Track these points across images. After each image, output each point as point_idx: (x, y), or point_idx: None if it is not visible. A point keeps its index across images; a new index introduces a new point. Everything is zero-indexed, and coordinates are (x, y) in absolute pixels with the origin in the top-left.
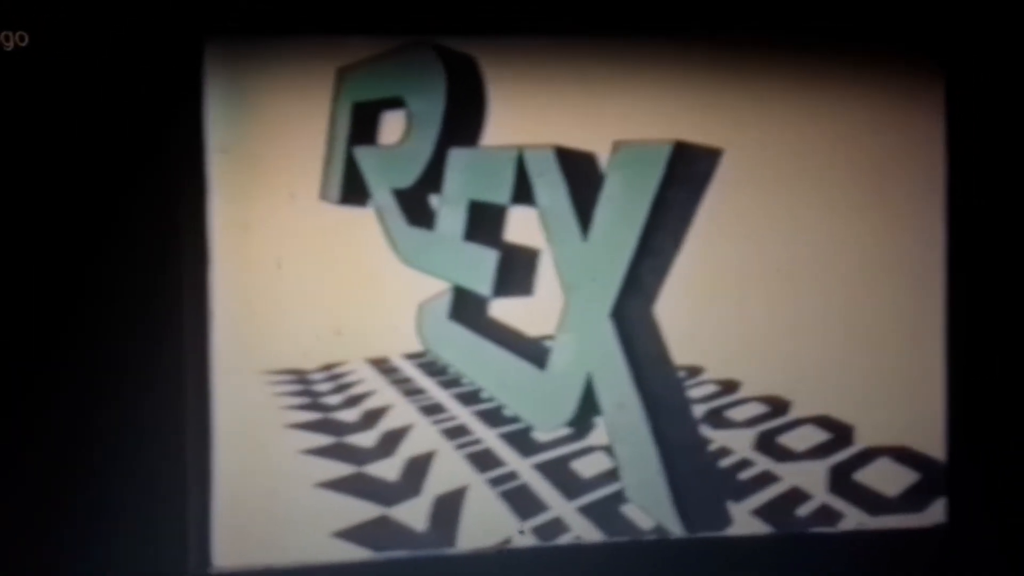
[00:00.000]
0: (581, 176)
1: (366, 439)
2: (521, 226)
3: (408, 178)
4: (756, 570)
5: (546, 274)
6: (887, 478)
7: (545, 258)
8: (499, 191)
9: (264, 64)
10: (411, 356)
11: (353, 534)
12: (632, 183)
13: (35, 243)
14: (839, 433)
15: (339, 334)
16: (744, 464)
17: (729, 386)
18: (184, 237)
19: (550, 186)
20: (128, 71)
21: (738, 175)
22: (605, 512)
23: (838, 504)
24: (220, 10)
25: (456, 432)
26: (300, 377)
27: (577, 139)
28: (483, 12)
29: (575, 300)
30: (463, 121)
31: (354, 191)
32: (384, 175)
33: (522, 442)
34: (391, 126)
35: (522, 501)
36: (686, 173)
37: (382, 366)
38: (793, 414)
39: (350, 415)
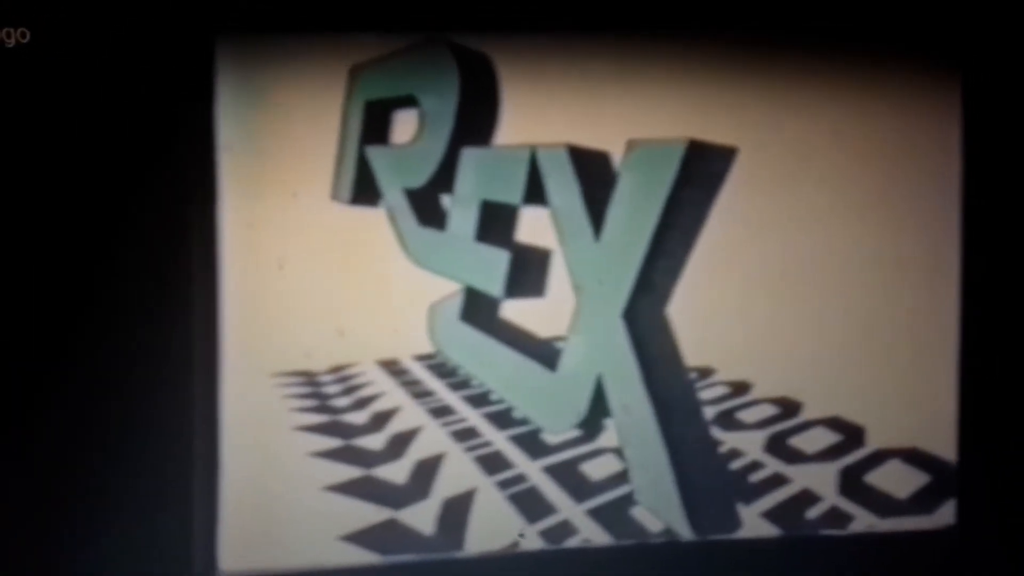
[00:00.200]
0: (594, 175)
1: (375, 442)
2: (533, 226)
3: (420, 178)
4: (766, 573)
5: (558, 275)
6: (897, 480)
7: (557, 259)
8: (511, 191)
9: (276, 62)
10: (421, 358)
11: (361, 538)
12: (646, 183)
13: (41, 243)
14: (850, 435)
15: (345, 335)
16: (754, 466)
17: (740, 387)
18: (193, 237)
19: (563, 186)
20: (136, 69)
21: (751, 174)
22: (614, 515)
23: (848, 506)
24: (231, 8)
25: (465, 434)
26: (309, 379)
27: (590, 138)
28: (497, 9)
29: (587, 301)
30: (476, 120)
31: (365, 191)
32: (396, 175)
33: (531, 444)
34: (403, 125)
35: (531, 504)
36: (700, 173)
37: (392, 368)
38: (804, 416)
39: (359, 417)
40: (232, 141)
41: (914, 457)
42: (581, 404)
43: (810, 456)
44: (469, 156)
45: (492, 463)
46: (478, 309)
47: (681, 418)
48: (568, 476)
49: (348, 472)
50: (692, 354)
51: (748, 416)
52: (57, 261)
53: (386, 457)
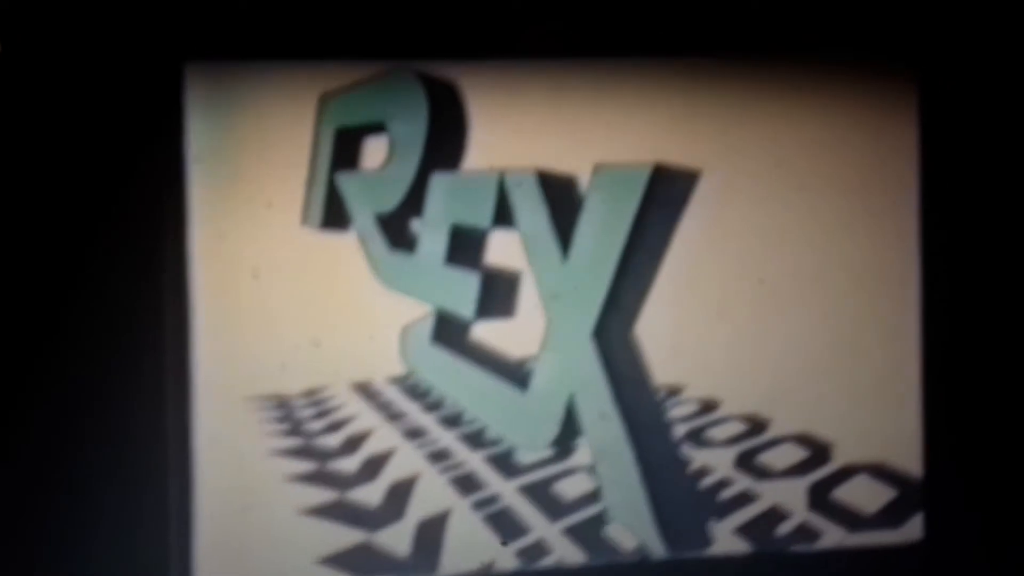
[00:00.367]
0: (562, 199)
1: (349, 464)
2: (503, 249)
3: (390, 203)
4: None
5: (528, 296)
6: (865, 495)
7: (527, 280)
8: (481, 215)
9: (246, 89)
10: (394, 380)
11: (337, 560)
12: (612, 205)
13: (11, 262)
14: (818, 451)
15: (317, 353)
16: (725, 483)
17: (709, 405)
18: (164, 262)
19: (531, 209)
20: (106, 94)
21: (717, 193)
22: (588, 533)
23: (817, 522)
24: (201, 35)
25: (439, 456)
26: (282, 402)
27: (558, 162)
28: (464, 38)
29: (557, 321)
30: (445, 146)
31: (336, 216)
32: (366, 200)
33: (505, 464)
34: (373, 151)
35: (505, 524)
36: (665, 195)
37: (365, 390)
38: (772, 432)
39: (333, 440)
40: (203, 167)
41: (881, 472)
42: (553, 423)
43: (779, 472)
44: (438, 181)
45: (466, 484)
46: (449, 331)
47: (652, 436)
48: (542, 495)
49: (323, 495)
50: (661, 372)
51: (718, 433)
52: (26, 284)
53: (360, 479)
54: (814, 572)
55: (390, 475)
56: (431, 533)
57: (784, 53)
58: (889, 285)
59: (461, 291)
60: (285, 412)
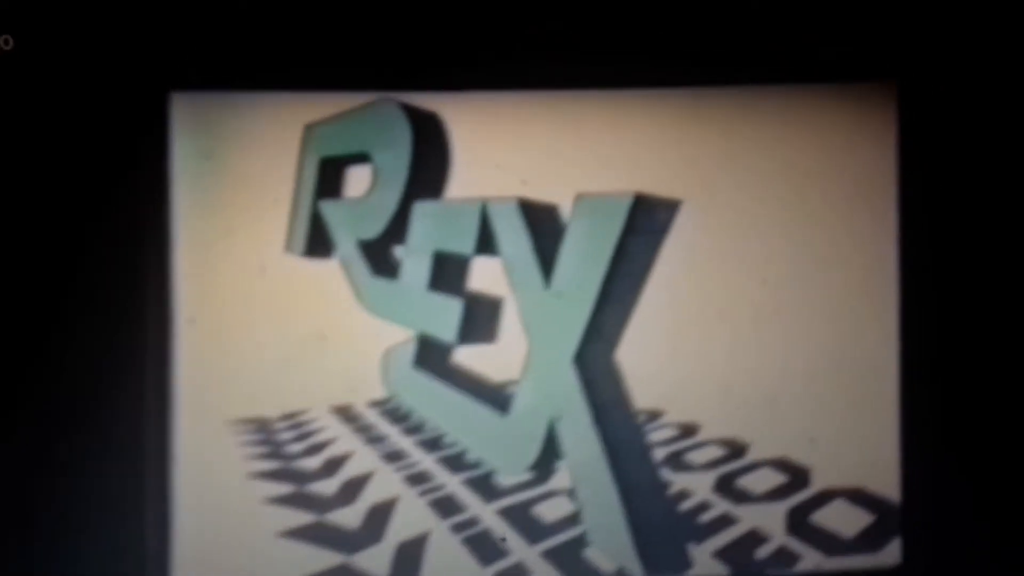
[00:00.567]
0: (544, 227)
1: (328, 487)
2: (485, 275)
3: (373, 230)
4: None
5: (510, 322)
6: (843, 519)
7: (509, 306)
8: (463, 242)
9: (230, 119)
10: (374, 403)
11: None
12: (594, 234)
13: None
14: (796, 475)
15: (299, 371)
16: (704, 506)
17: (689, 429)
18: (147, 285)
19: (513, 237)
20: (89, 122)
21: (697, 222)
22: (567, 556)
23: (796, 546)
24: (186, 64)
25: (418, 478)
26: (262, 426)
27: (540, 191)
28: (447, 69)
29: (538, 347)
30: (428, 175)
31: (319, 243)
32: (350, 227)
33: (484, 487)
34: (357, 180)
35: (484, 547)
36: (646, 224)
37: (345, 413)
38: (751, 456)
39: (312, 463)
40: (187, 195)
41: (859, 497)
42: (534, 446)
43: (758, 496)
44: (421, 209)
45: (446, 506)
46: (431, 355)
47: (632, 460)
48: (521, 518)
49: (301, 518)
50: (641, 397)
51: (697, 457)
52: (7, 306)
53: (339, 502)
54: None
55: (369, 498)
56: (410, 555)
57: (762, 81)
58: (868, 310)
59: (444, 316)
60: (264, 435)
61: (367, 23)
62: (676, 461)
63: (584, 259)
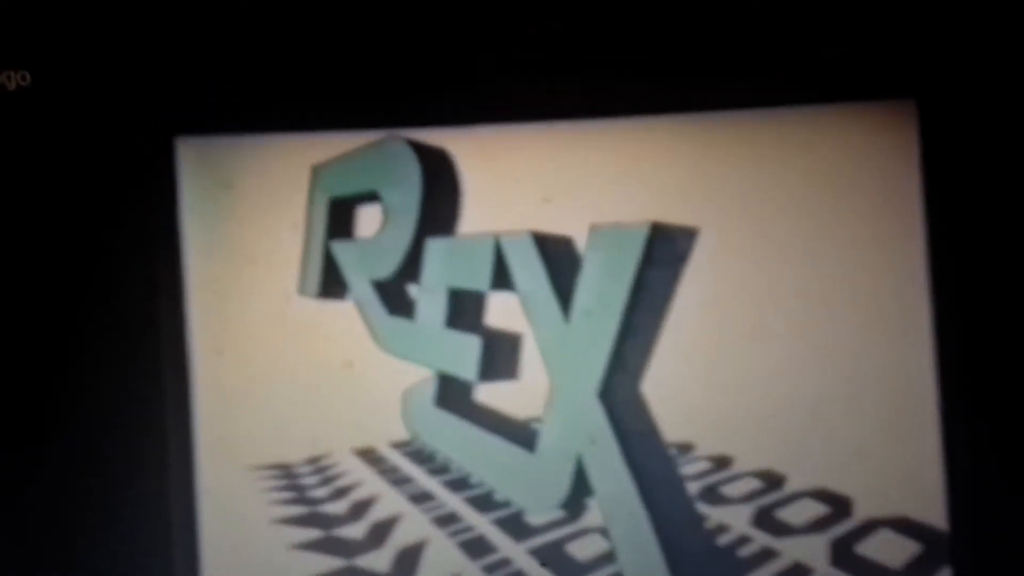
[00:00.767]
0: (559, 260)
1: (355, 531)
2: (502, 311)
3: (387, 269)
4: None
5: (530, 357)
6: (889, 550)
7: (528, 341)
8: (478, 278)
9: (238, 162)
10: (398, 445)
11: None
12: (610, 265)
13: (10, 332)
14: (837, 505)
15: (321, 414)
16: (743, 540)
17: (722, 462)
18: (161, 337)
19: (529, 271)
20: (94, 170)
21: (720, 248)
22: None
23: None
24: (190, 109)
25: (447, 520)
26: (286, 471)
27: (554, 224)
28: (454, 104)
29: (561, 381)
30: (439, 212)
31: (332, 284)
32: (362, 267)
33: (515, 527)
34: (367, 219)
35: None
36: (664, 253)
37: (368, 456)
38: (789, 488)
39: (338, 507)
40: (197, 240)
41: (905, 526)
42: (563, 483)
43: (799, 528)
44: (434, 246)
45: (476, 548)
46: (452, 394)
47: (665, 494)
48: (554, 558)
49: (329, 563)
50: (671, 430)
51: (732, 490)
52: (23, 355)
53: (368, 546)
54: None
55: (398, 541)
56: None
57: (776, 103)
58: (900, 334)
59: (462, 354)
60: (289, 480)
61: (371, 61)
62: (711, 494)
63: (602, 291)
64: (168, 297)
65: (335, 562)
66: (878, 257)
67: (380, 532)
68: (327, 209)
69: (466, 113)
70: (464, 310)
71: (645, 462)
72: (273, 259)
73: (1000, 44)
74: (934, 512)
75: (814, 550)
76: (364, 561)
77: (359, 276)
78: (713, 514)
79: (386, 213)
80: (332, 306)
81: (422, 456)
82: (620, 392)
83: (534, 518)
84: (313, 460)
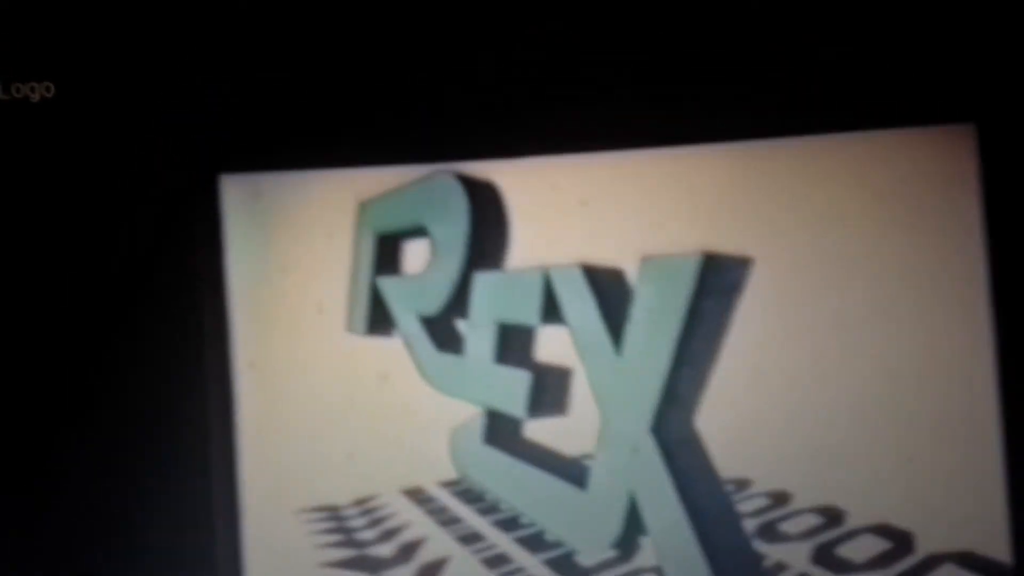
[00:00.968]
0: (610, 292)
1: (404, 573)
2: (552, 345)
3: (434, 305)
4: None
5: (581, 392)
6: None
7: (579, 376)
8: (527, 312)
9: (284, 199)
10: (446, 484)
11: None
12: (662, 296)
13: (55, 380)
14: (899, 540)
15: (367, 455)
16: None
17: (780, 498)
18: (208, 378)
19: (579, 304)
20: (139, 209)
21: (771, 278)
22: None
23: None
24: (235, 146)
25: (497, 561)
26: (333, 513)
27: (604, 255)
28: (501, 136)
29: (613, 417)
30: (487, 245)
31: (380, 321)
32: (410, 303)
33: (567, 567)
34: (415, 254)
35: None
36: (717, 283)
37: (416, 496)
38: (849, 524)
39: (386, 549)
40: (242, 279)
41: (968, 561)
42: (615, 522)
43: (861, 565)
44: (483, 280)
45: None
46: (501, 431)
47: (721, 533)
48: None
49: None
50: (726, 466)
51: (791, 527)
52: (67, 402)
53: None
54: None
55: None
56: None
57: (832, 129)
58: (962, 365)
59: (512, 389)
60: (336, 523)
61: (417, 95)
62: (769, 532)
63: (654, 323)
64: (214, 340)
65: None
66: (938, 285)
67: (429, 574)
68: (374, 245)
69: (514, 145)
70: (513, 345)
71: (700, 499)
72: (320, 299)
73: None
74: (998, 545)
75: None
76: None
77: (406, 312)
78: (771, 552)
79: (434, 248)
80: (381, 345)
81: (471, 495)
82: (673, 427)
83: (586, 558)
84: (360, 502)
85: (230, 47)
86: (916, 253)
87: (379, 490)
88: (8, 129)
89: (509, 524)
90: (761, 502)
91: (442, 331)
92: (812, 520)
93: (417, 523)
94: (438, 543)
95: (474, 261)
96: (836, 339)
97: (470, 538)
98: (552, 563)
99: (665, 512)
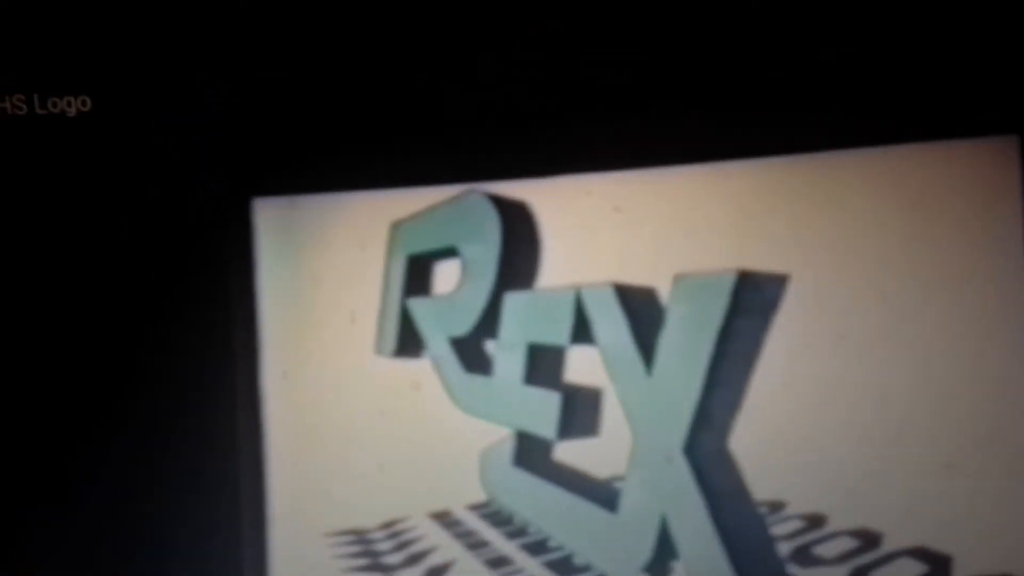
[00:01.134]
0: (642, 311)
1: None
2: (583, 366)
3: (464, 326)
4: None
5: (612, 413)
6: None
7: (609, 397)
8: (558, 332)
9: (315, 222)
10: (474, 507)
11: None
12: (696, 315)
13: (87, 402)
14: (937, 564)
15: (395, 477)
16: None
17: (815, 520)
18: (237, 401)
19: (610, 324)
20: (172, 232)
21: (807, 296)
22: None
23: None
24: (267, 169)
25: None
26: (359, 536)
27: (636, 274)
28: (534, 156)
29: (644, 438)
30: (518, 265)
31: (409, 343)
32: (439, 324)
33: None
34: (445, 274)
35: None
36: (752, 302)
37: (444, 519)
38: (886, 547)
39: (413, 574)
40: (273, 301)
41: None
42: (646, 545)
43: None
44: (513, 301)
45: None
46: (531, 453)
47: (755, 557)
48: None
49: None
50: (760, 488)
51: (826, 550)
52: (99, 421)
53: None
54: None
55: None
56: None
57: (870, 143)
58: (1005, 387)
59: (542, 411)
60: (363, 546)
61: (449, 116)
62: (804, 555)
63: (687, 343)
64: (244, 362)
65: None
66: (980, 300)
67: None
68: (405, 266)
69: (547, 164)
70: (543, 365)
71: (733, 522)
72: (351, 321)
73: None
74: None
75: None
76: None
77: (436, 333)
78: None
79: (464, 268)
80: (409, 368)
81: (500, 518)
82: (706, 448)
83: None
84: (388, 525)
85: (265, 70)
86: (956, 268)
87: (406, 512)
88: (45, 143)
89: (537, 548)
90: (796, 524)
91: (471, 352)
92: (848, 543)
93: (444, 547)
94: (466, 567)
95: (505, 281)
96: (872, 358)
97: (498, 562)
98: None
99: (697, 536)
